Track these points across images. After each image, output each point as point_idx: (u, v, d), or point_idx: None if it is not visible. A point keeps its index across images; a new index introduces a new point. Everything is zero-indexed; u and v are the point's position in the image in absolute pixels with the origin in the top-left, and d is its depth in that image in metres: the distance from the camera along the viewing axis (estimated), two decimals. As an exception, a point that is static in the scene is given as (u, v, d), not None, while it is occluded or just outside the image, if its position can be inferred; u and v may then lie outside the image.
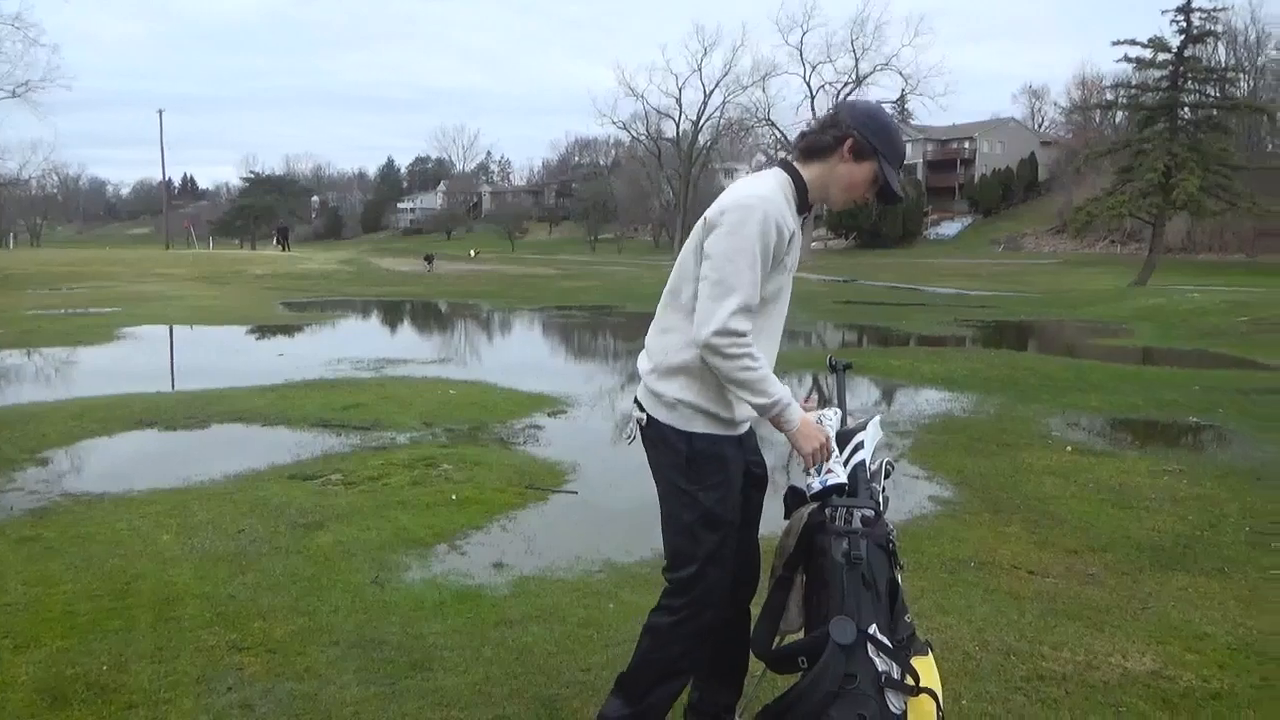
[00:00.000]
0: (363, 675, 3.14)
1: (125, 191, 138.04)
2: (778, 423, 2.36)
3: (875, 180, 2.40)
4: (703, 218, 2.38)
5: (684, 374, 2.40)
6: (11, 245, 65.48)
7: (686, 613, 2.47)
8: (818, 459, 2.41)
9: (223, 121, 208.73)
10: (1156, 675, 3.21)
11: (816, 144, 2.40)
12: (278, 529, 4.70)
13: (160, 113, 59.01)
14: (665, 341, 2.44)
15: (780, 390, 2.33)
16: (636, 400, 2.52)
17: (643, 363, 2.51)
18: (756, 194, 2.31)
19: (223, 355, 12.92)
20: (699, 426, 2.39)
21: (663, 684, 2.55)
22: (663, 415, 2.42)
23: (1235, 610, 3.83)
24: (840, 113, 2.43)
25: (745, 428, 2.53)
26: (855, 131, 2.36)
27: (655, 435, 2.45)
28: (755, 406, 2.35)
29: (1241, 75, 45.15)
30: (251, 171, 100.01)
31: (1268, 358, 13.36)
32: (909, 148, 72.93)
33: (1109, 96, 40.96)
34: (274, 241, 63.62)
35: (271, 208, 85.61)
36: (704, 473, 2.40)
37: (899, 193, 2.39)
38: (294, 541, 4.52)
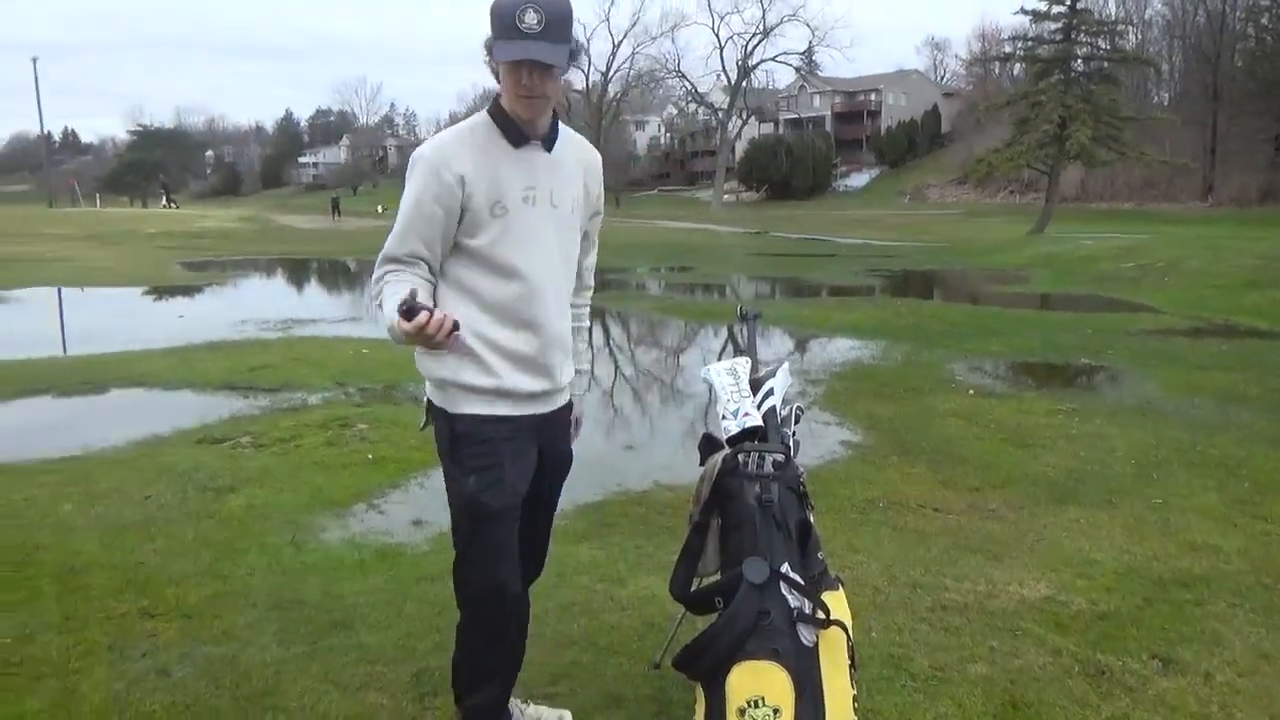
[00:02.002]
0: (282, 636, 3.11)
1: None
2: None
3: (508, 69, 2.06)
4: None
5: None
6: (-124, 205, 61.10)
7: (461, 600, 2.33)
8: (403, 339, 1.96)
9: (105, 71, 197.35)
10: (1050, 600, 3.42)
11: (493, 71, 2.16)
12: (186, 494, 4.58)
13: (34, 60, 55.64)
14: None
15: (389, 306, 1.98)
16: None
17: None
18: (424, 144, 2.18)
19: (118, 318, 12.35)
20: (463, 407, 2.20)
21: (472, 691, 2.37)
22: (435, 397, 2.25)
23: (1122, 538, 4.08)
24: None
25: (530, 408, 2.25)
26: (485, 43, 2.08)
27: (433, 416, 2.28)
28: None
29: (1130, 28, 46.87)
30: (139, 124, 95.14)
31: (1154, 300, 14.07)
32: (816, 99, 74.28)
33: (1007, 49, 42.01)
34: (163, 201, 61.00)
35: (162, 163, 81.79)
36: (465, 456, 2.21)
37: (523, 55, 2.01)
38: (204, 506, 4.41)
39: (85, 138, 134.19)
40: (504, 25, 2.01)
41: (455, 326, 1.95)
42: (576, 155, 2.30)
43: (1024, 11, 35.56)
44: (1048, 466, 5.20)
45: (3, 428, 6.18)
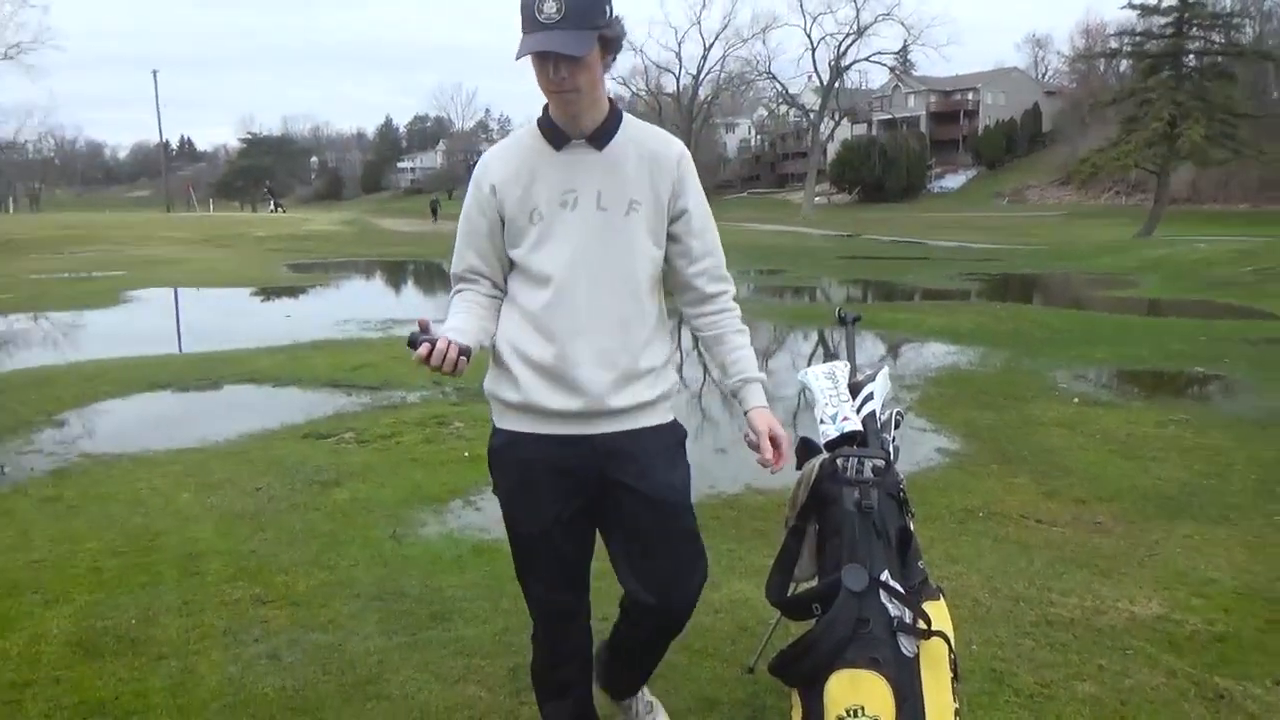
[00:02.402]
0: (385, 626, 3.21)
1: (123, 154, 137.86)
2: None
3: (535, 64, 1.93)
4: None
5: (491, 361, 2.15)
6: (11, 210, 65.44)
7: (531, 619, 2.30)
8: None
9: (218, 82, 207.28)
10: (1163, 619, 3.27)
11: None
12: (295, 487, 4.77)
13: (155, 73, 58.83)
14: None
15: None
16: None
17: None
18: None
19: (230, 317, 12.95)
20: (500, 422, 2.13)
21: (547, 700, 2.35)
22: (490, 408, 2.20)
23: (1241, 556, 3.89)
24: None
25: (562, 428, 2.06)
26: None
27: None
28: None
29: (1247, 21, 44.49)
30: (249, 133, 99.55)
31: (1274, 307, 13.33)
32: (911, 99, 72.87)
33: (1113, 45, 40.50)
34: (271, 206, 63.55)
35: (270, 169, 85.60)
36: (496, 474, 2.16)
37: (540, 46, 1.88)
38: (311, 499, 4.59)
39: (200, 146, 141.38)
40: (525, 17, 1.88)
41: (461, 352, 1.92)
42: (640, 150, 2.07)
43: (1131, 6, 34.22)
44: (1159, 479, 4.98)
45: (129, 421, 6.54)
